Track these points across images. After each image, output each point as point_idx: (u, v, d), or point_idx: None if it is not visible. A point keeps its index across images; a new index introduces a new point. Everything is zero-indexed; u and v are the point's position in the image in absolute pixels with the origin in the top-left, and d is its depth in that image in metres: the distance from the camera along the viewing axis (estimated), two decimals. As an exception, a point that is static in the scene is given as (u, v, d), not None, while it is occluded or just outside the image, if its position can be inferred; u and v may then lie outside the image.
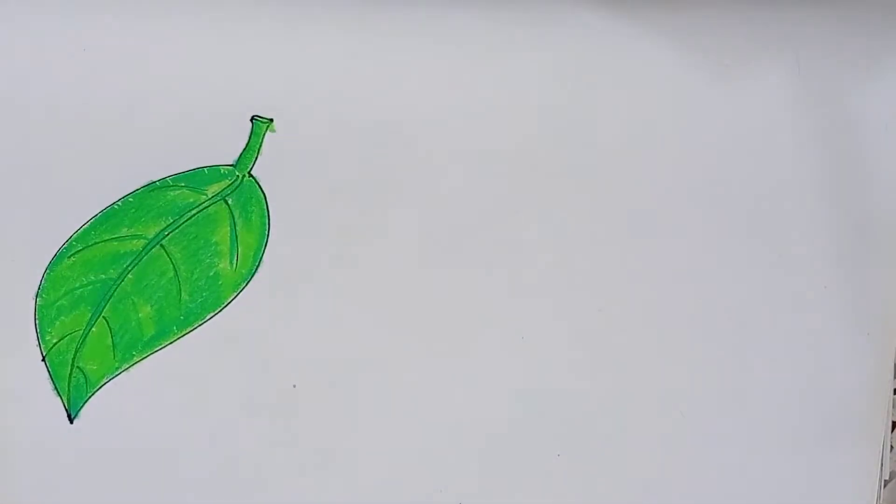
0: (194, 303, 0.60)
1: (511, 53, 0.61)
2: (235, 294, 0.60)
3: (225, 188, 0.60)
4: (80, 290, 0.59)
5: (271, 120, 0.60)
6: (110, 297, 0.59)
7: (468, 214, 0.61)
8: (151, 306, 0.59)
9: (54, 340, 0.59)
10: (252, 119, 0.60)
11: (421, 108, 0.61)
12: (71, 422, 0.59)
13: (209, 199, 0.60)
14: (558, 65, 0.61)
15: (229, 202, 0.60)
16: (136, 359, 0.60)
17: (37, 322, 0.59)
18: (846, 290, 0.62)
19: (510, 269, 0.61)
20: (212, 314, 0.60)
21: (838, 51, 0.62)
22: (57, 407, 0.59)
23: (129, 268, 0.59)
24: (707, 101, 0.62)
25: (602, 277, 0.61)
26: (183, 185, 0.59)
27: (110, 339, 0.59)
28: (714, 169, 0.62)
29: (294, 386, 0.60)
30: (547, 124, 0.61)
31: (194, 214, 0.59)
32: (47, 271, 0.59)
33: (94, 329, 0.59)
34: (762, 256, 0.62)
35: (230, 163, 0.60)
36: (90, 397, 0.59)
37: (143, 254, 0.59)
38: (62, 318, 0.59)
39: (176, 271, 0.59)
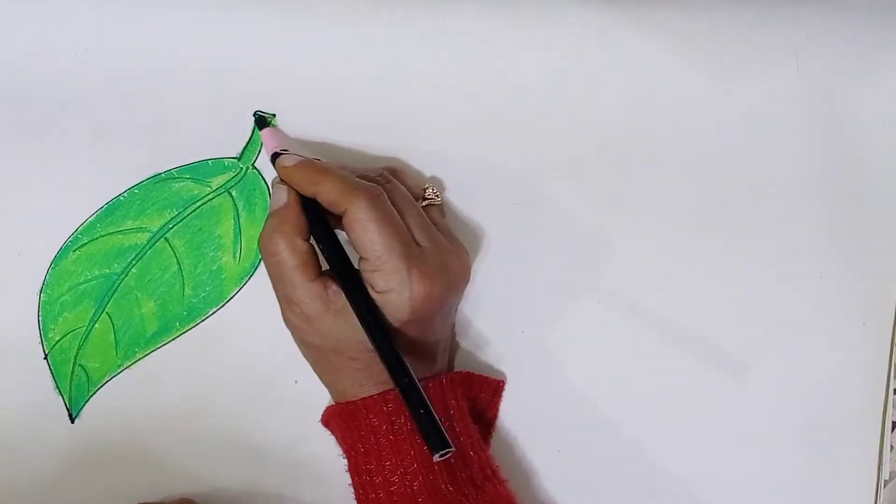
0: (197, 297, 0.60)
1: (511, 53, 0.61)
2: (238, 288, 0.60)
3: (229, 180, 0.60)
4: (85, 284, 0.59)
5: (273, 115, 0.60)
6: (114, 293, 0.59)
7: (468, 212, 0.61)
8: (155, 301, 0.60)
9: (57, 338, 0.59)
10: (255, 114, 0.60)
11: (421, 107, 0.61)
12: (72, 421, 0.60)
13: (213, 190, 0.60)
14: (558, 65, 0.62)
15: (233, 194, 0.60)
16: (138, 356, 0.60)
17: (40, 318, 0.59)
18: (843, 283, 0.62)
19: (509, 263, 0.61)
20: (214, 309, 0.60)
21: (838, 50, 0.62)
22: (58, 406, 0.59)
23: (134, 262, 0.59)
24: (707, 101, 0.62)
25: (601, 273, 0.61)
26: (188, 176, 0.60)
27: (113, 336, 0.59)
28: (713, 166, 0.62)
29: (296, 382, 0.60)
30: (547, 123, 0.62)
31: (199, 206, 0.60)
32: (52, 265, 0.59)
33: (97, 326, 0.59)
34: (761, 252, 0.62)
35: (234, 155, 0.60)
36: (91, 396, 0.59)
37: (148, 247, 0.60)
38: (66, 314, 0.59)
39: (180, 265, 0.60)
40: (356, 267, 0.52)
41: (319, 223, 0.53)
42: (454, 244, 0.56)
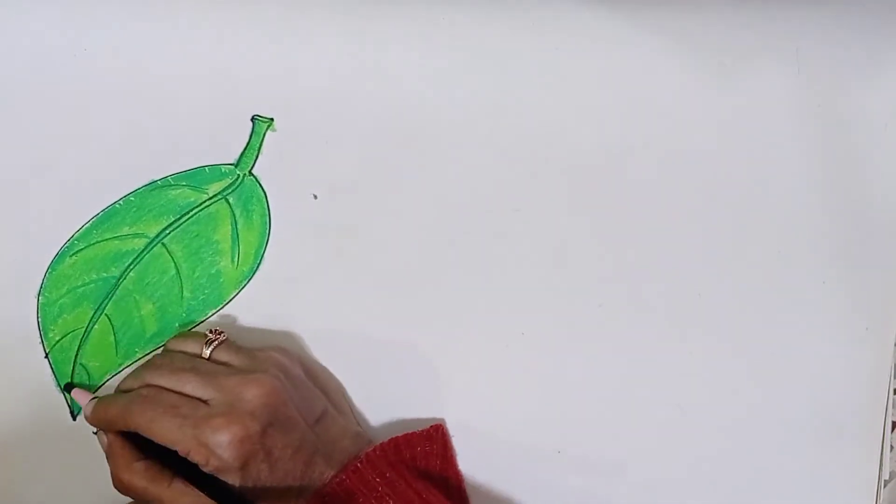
0: (196, 300, 0.60)
1: (511, 54, 0.61)
2: (237, 292, 0.60)
3: (226, 187, 0.60)
4: (83, 288, 0.59)
5: (272, 119, 0.60)
6: (112, 295, 0.60)
7: (468, 212, 0.61)
8: (153, 304, 0.60)
9: (57, 338, 0.59)
10: (253, 118, 0.60)
11: (421, 108, 0.61)
12: (74, 418, 0.60)
13: (210, 197, 0.60)
14: (558, 65, 0.61)
15: (230, 201, 0.60)
16: (138, 356, 0.60)
17: (39, 320, 0.59)
18: (845, 286, 0.62)
19: (510, 266, 0.61)
20: (213, 311, 0.60)
21: (838, 50, 0.62)
22: (60, 404, 0.60)
23: (131, 266, 0.59)
24: (707, 101, 0.62)
25: (602, 274, 0.61)
26: (184, 183, 0.60)
27: (113, 336, 0.60)
28: (713, 167, 0.62)
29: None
30: (547, 124, 0.61)
31: (195, 213, 0.60)
32: (49, 270, 0.59)
33: (96, 326, 0.60)
34: (761, 253, 0.62)
35: (231, 162, 0.60)
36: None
37: (145, 252, 0.60)
38: (64, 315, 0.59)
39: (177, 269, 0.60)
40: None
41: (139, 440, 0.55)
42: (248, 370, 0.56)
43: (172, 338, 0.59)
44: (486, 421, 0.61)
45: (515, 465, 0.61)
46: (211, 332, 0.58)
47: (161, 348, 0.60)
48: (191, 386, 0.54)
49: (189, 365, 0.56)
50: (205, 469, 0.53)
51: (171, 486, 0.54)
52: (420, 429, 0.59)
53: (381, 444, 0.57)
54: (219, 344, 0.57)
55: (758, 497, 0.62)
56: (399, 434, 0.58)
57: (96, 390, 0.60)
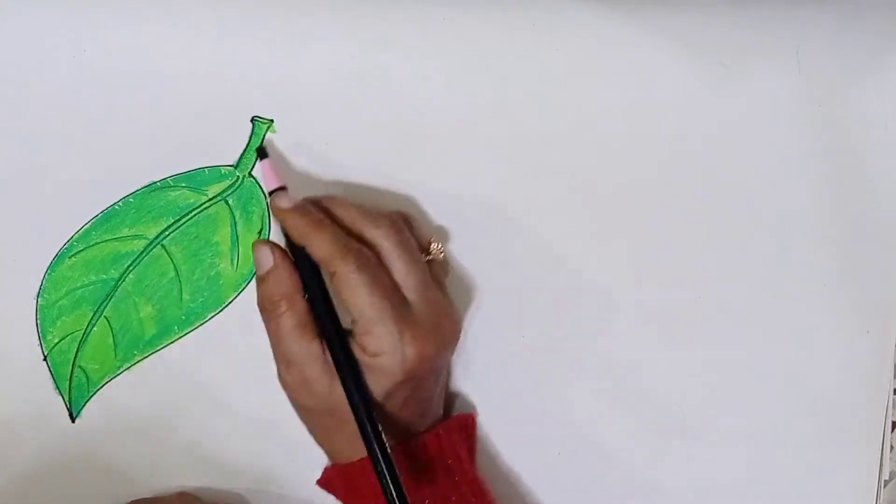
0: (195, 302, 0.60)
1: (511, 54, 0.61)
2: (237, 294, 0.60)
3: (225, 188, 0.60)
4: (82, 290, 0.59)
5: (272, 120, 0.60)
6: (111, 297, 0.59)
7: (468, 213, 0.61)
8: (153, 306, 0.60)
9: (56, 340, 0.59)
10: (252, 119, 0.60)
11: (421, 108, 0.61)
12: (73, 420, 0.60)
13: (210, 199, 0.60)
14: (558, 65, 0.61)
15: (230, 202, 0.60)
16: (137, 358, 0.60)
17: (38, 322, 0.59)
18: (845, 288, 0.62)
19: (510, 267, 0.61)
20: (213, 313, 0.60)
21: (838, 50, 0.62)
22: (59, 406, 0.59)
23: (130, 268, 0.59)
24: (707, 101, 0.61)
25: (600, 275, 0.61)
26: (183, 185, 0.59)
27: (112, 338, 0.60)
28: (713, 167, 0.62)
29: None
30: (547, 124, 0.61)
31: (195, 214, 0.60)
32: (48, 272, 0.59)
33: (95, 329, 0.59)
34: (762, 255, 0.62)
35: (231, 163, 0.60)
36: (92, 396, 0.60)
37: (144, 254, 0.59)
38: (63, 318, 0.59)
39: (177, 271, 0.60)
40: (345, 326, 0.52)
41: (311, 282, 0.52)
42: (448, 301, 0.55)
43: (409, 218, 0.56)
44: (486, 423, 0.61)
45: (515, 467, 0.61)
46: (437, 245, 0.56)
47: (158, 352, 0.60)
48: (413, 277, 0.52)
49: (418, 258, 0.53)
50: (366, 356, 0.51)
51: (312, 343, 0.51)
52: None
53: (457, 418, 0.56)
54: (432, 261, 0.55)
55: (758, 497, 0.62)
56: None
57: (95, 392, 0.60)
